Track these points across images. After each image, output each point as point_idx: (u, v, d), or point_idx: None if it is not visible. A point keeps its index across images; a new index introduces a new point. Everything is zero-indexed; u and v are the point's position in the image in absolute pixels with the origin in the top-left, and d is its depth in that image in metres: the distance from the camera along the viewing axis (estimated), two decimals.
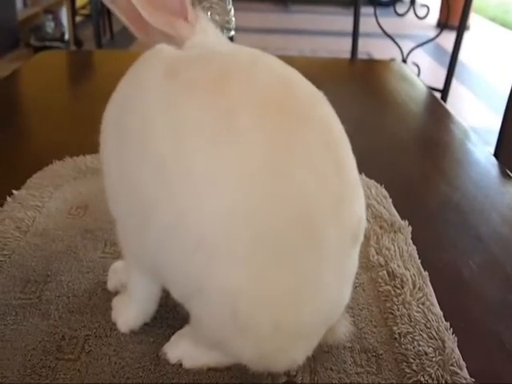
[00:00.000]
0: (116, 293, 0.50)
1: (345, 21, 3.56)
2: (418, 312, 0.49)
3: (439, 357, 0.45)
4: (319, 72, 1.21)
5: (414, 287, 0.52)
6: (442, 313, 0.49)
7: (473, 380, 0.43)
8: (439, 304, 0.51)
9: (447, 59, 1.45)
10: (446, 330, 0.47)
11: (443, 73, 1.48)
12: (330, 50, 4.01)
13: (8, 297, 0.49)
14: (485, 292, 0.54)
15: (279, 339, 0.36)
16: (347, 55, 1.56)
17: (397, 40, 1.51)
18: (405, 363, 0.44)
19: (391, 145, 0.88)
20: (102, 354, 0.44)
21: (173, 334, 0.45)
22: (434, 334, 0.47)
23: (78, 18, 3.76)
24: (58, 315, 0.47)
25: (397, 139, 0.91)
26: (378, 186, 0.71)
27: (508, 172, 0.79)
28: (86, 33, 3.69)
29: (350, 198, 0.37)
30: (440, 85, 1.46)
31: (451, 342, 0.46)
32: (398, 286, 0.53)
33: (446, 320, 0.49)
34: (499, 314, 0.51)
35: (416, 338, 0.46)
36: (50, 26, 3.28)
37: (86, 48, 3.55)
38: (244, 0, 5.55)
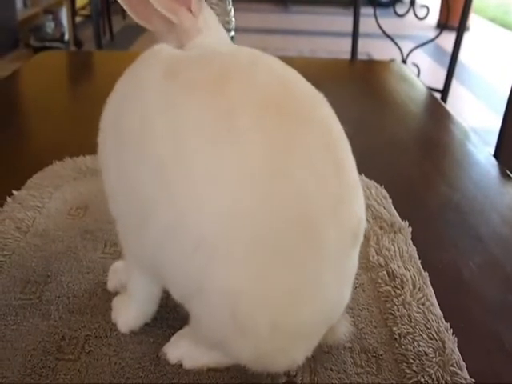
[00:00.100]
0: (116, 293, 0.50)
1: (344, 21, 3.56)
2: (418, 312, 0.49)
3: (439, 357, 0.45)
4: (319, 72, 1.21)
5: (414, 288, 0.52)
6: (442, 313, 0.49)
7: (473, 380, 0.43)
8: (439, 304, 0.51)
9: (447, 60, 1.45)
10: (446, 331, 0.47)
11: (443, 73, 1.48)
12: (330, 50, 4.01)
13: (8, 297, 0.49)
14: (485, 292, 0.54)
15: (279, 339, 0.36)
16: (347, 56, 1.56)
17: (397, 40, 1.51)
18: (405, 364, 0.44)
19: (391, 145, 0.88)
20: (102, 355, 0.44)
21: (173, 334, 0.45)
22: (434, 335, 0.47)
23: (78, 19, 3.76)
24: (58, 315, 0.47)
25: (397, 140, 0.91)
26: (378, 186, 0.71)
27: (508, 172, 0.79)
28: (86, 33, 3.69)
29: (350, 199, 0.37)
30: (440, 85, 1.46)
31: (451, 342, 0.46)
32: (398, 286, 0.53)
33: (446, 320, 0.49)
34: (499, 315, 0.51)
35: (416, 338, 0.46)
36: (49, 27, 3.28)
37: (85, 48, 3.55)
38: (244, 0, 5.55)
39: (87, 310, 0.48)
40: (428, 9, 1.53)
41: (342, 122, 0.39)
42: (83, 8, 3.90)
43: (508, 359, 0.46)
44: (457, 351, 0.45)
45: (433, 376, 0.43)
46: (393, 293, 0.52)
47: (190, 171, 0.34)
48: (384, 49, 2.20)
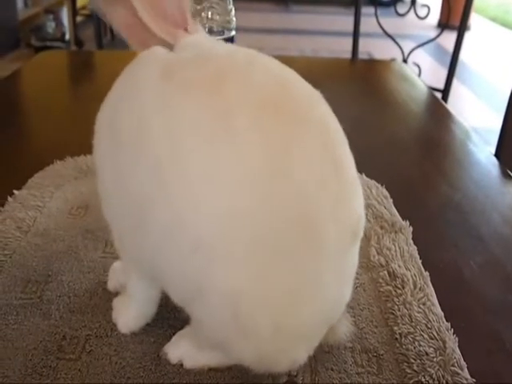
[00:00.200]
0: (116, 293, 0.50)
1: (345, 21, 3.55)
2: (418, 312, 0.49)
3: (440, 357, 0.45)
4: (320, 72, 1.21)
5: (415, 287, 0.52)
6: (442, 313, 0.49)
7: (474, 380, 0.43)
8: (440, 304, 0.51)
9: (448, 59, 1.45)
10: (447, 331, 0.47)
11: (444, 73, 1.48)
12: (331, 50, 4.01)
13: (9, 297, 0.49)
14: (486, 292, 0.54)
15: (280, 340, 0.36)
16: (348, 55, 1.56)
17: (397, 40, 1.51)
18: (406, 363, 0.44)
19: (392, 145, 0.88)
20: (103, 354, 0.44)
21: (174, 334, 0.45)
22: (435, 335, 0.47)
23: (79, 18, 3.76)
24: (59, 315, 0.47)
25: (397, 139, 0.91)
26: (379, 186, 0.71)
27: (509, 172, 0.79)
28: (87, 33, 3.69)
29: (349, 197, 0.37)
30: (441, 85, 1.45)
31: (452, 342, 0.46)
32: (399, 286, 0.53)
33: (446, 320, 0.49)
34: (500, 314, 0.51)
35: (417, 338, 0.46)
36: (50, 26, 3.28)
37: (86, 48, 3.55)
38: (245, 0, 5.55)
39: (88, 309, 0.48)
40: (429, 8, 1.53)
41: (343, 121, 0.39)
42: (84, 8, 3.90)
43: (509, 359, 0.46)
44: (457, 351, 0.45)
45: (433, 376, 0.43)
46: (393, 292, 0.52)
47: (187, 171, 0.34)
48: (385, 48, 2.20)
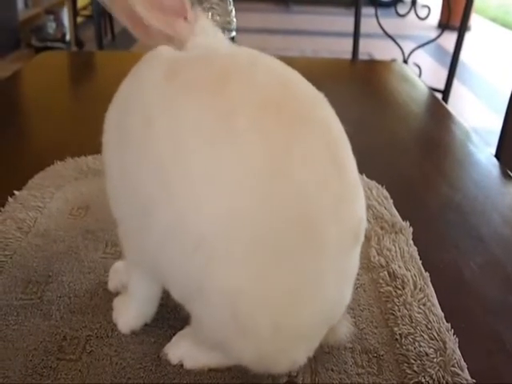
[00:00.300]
0: (117, 293, 0.50)
1: (346, 21, 3.55)
2: (419, 313, 0.49)
3: (440, 358, 0.45)
4: (320, 72, 1.21)
5: (415, 288, 0.52)
6: (443, 314, 0.49)
7: (474, 381, 0.43)
8: (440, 305, 0.51)
9: (448, 60, 1.45)
10: (447, 331, 0.47)
11: (444, 73, 1.48)
12: (331, 50, 4.01)
13: (9, 297, 0.49)
14: (486, 293, 0.54)
15: (280, 340, 0.36)
16: (348, 56, 1.56)
17: (398, 41, 1.51)
18: (406, 364, 0.44)
19: (392, 145, 0.88)
20: (104, 355, 0.44)
21: (174, 334, 0.45)
22: (435, 335, 0.47)
23: (80, 19, 3.76)
24: (60, 316, 0.47)
25: (398, 140, 0.91)
26: (379, 186, 0.71)
27: (509, 173, 0.79)
28: (88, 33, 3.69)
29: (351, 199, 0.37)
30: (441, 85, 1.45)
31: (452, 342, 0.46)
32: (399, 286, 0.53)
33: (447, 321, 0.49)
34: (500, 315, 0.51)
35: (417, 338, 0.46)
36: (51, 27, 3.28)
37: (87, 49, 3.55)
38: (245, 0, 5.55)
39: (88, 310, 0.48)
40: (429, 9, 1.53)
41: (343, 122, 0.39)
42: (84, 8, 3.90)
43: (509, 359, 0.46)
44: (458, 352, 0.45)
45: (434, 376, 0.43)
46: (394, 293, 0.52)
47: (189, 172, 0.34)
48: (385, 49, 2.20)
